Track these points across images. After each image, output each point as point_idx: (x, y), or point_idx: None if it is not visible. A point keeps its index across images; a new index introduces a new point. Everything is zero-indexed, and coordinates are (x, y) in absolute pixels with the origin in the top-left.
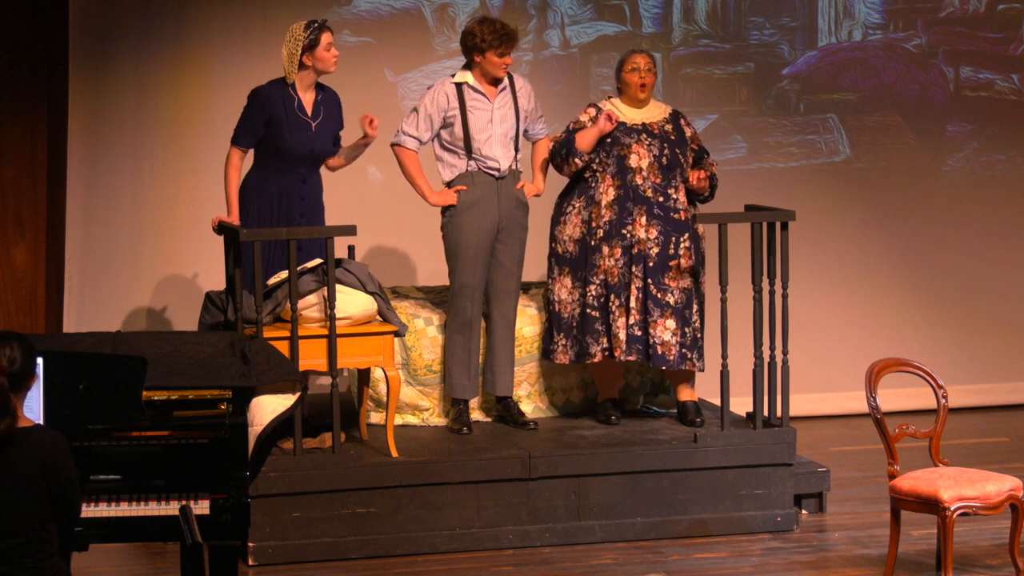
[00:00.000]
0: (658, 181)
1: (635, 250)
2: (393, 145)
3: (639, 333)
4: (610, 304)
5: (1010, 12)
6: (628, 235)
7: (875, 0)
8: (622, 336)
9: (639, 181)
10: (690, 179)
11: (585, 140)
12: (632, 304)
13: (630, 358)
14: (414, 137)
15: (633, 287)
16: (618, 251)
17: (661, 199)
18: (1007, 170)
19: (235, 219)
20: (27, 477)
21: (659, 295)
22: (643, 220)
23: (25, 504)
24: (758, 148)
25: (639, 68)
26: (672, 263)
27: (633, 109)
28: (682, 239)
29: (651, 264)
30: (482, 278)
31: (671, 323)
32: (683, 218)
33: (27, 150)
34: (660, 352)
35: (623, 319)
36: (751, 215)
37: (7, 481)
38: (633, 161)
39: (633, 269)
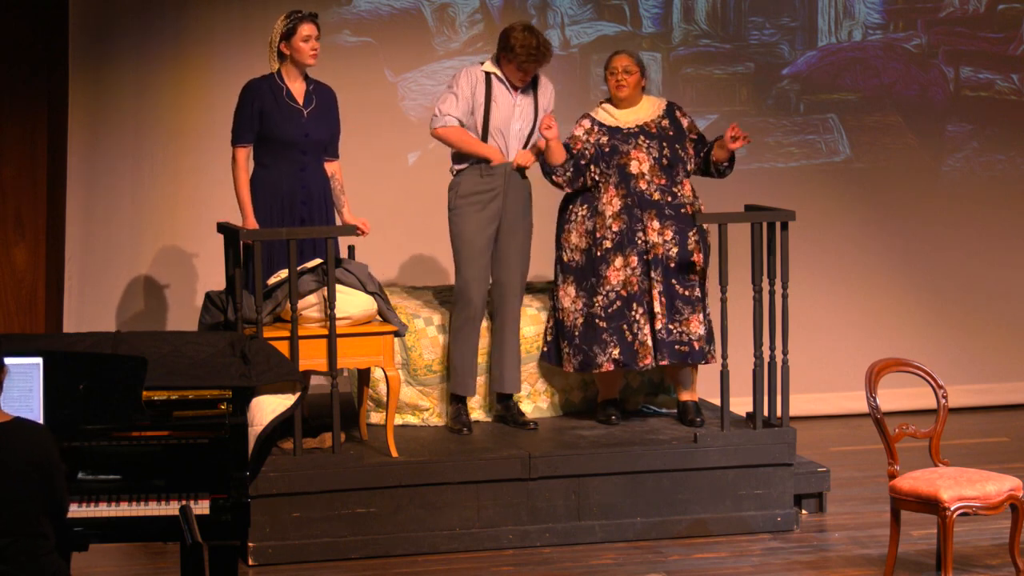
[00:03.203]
0: (663, 182)
1: (651, 255)
2: (435, 128)
3: (667, 336)
4: (632, 313)
5: (1010, 12)
6: (641, 242)
7: (875, 0)
8: (650, 343)
9: (643, 186)
10: (727, 136)
11: (550, 154)
12: (657, 309)
13: (663, 363)
14: (454, 116)
15: (655, 292)
16: (634, 259)
17: (669, 199)
18: (1007, 170)
19: (251, 226)
20: (21, 473)
21: (687, 292)
22: (655, 224)
23: (22, 501)
24: (758, 148)
25: (616, 71)
26: (691, 259)
27: (626, 111)
28: (691, 233)
29: (672, 265)
30: (486, 273)
31: (700, 316)
32: (691, 212)
33: (27, 150)
34: (698, 348)
35: (648, 326)
36: (751, 215)
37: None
38: (634, 167)
39: (652, 274)
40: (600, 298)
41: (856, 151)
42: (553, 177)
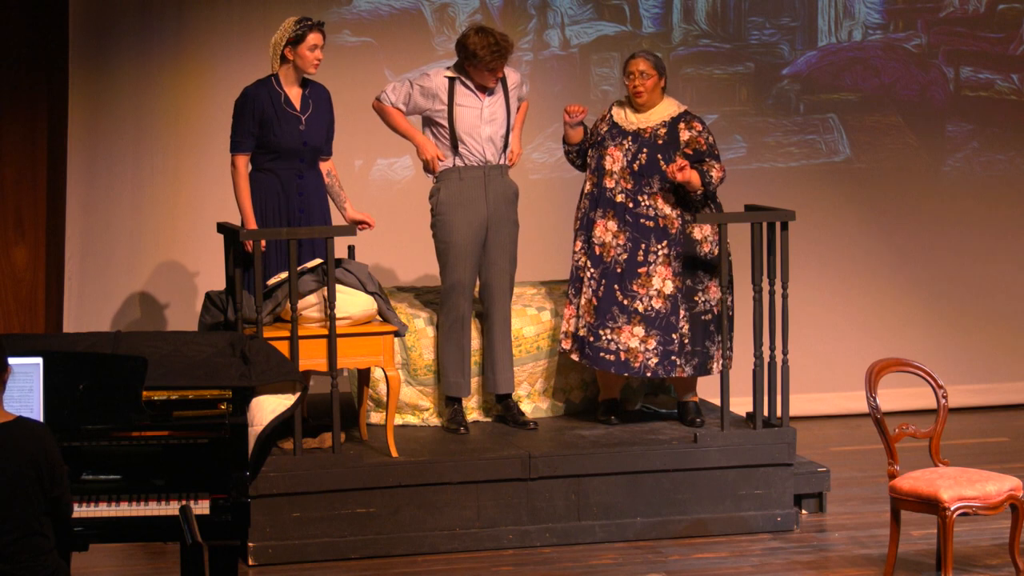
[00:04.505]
0: (629, 187)
1: (596, 251)
2: (375, 101)
3: (592, 339)
4: (567, 293)
5: (1010, 12)
6: (592, 236)
7: (875, 0)
8: (562, 327)
9: (610, 185)
10: (669, 170)
11: (566, 135)
12: (582, 303)
13: (584, 362)
14: (393, 104)
15: (585, 287)
16: (578, 244)
17: (631, 205)
18: (1007, 170)
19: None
20: (18, 471)
21: (625, 302)
22: (610, 224)
23: (20, 500)
24: (758, 148)
25: (634, 73)
26: (641, 270)
27: (638, 113)
28: (657, 246)
29: (619, 271)
30: (473, 275)
31: (639, 330)
32: (661, 225)
33: (27, 150)
34: (624, 359)
35: (567, 311)
36: (751, 215)
37: None
38: (607, 163)
39: (591, 271)
40: (570, 274)
41: (856, 151)
42: (565, 154)
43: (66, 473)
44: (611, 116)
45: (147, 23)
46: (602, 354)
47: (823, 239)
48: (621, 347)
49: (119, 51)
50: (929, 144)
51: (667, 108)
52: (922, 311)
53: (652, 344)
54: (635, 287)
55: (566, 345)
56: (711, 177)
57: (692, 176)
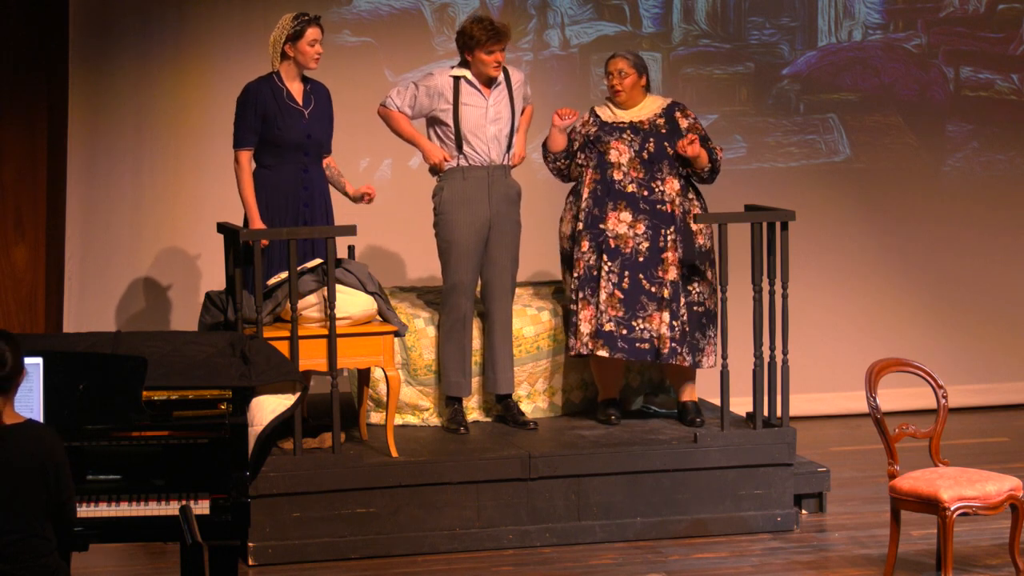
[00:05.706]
0: (640, 176)
1: (611, 244)
2: (380, 107)
3: (625, 332)
4: (577, 296)
5: (1010, 12)
6: (602, 229)
7: (875, 0)
8: (583, 329)
9: (618, 176)
10: (680, 145)
11: (551, 140)
12: (603, 298)
13: (617, 356)
14: (399, 108)
15: (604, 281)
16: (585, 244)
17: (646, 193)
18: (1007, 170)
19: (258, 227)
20: (23, 473)
21: (652, 289)
22: (623, 215)
23: (22, 501)
24: (758, 148)
25: (613, 73)
26: (663, 256)
27: (625, 110)
28: (668, 231)
29: (641, 259)
30: (475, 275)
31: (666, 316)
32: (670, 210)
33: (27, 150)
34: (656, 345)
35: (586, 312)
36: (751, 215)
37: (2, 478)
38: (613, 156)
39: (608, 264)
40: (572, 282)
41: (856, 151)
42: (547, 163)
43: (71, 479)
44: (597, 117)
45: (147, 23)
46: (638, 344)
47: (823, 239)
48: (654, 334)
49: (119, 51)
50: (929, 144)
51: (655, 102)
52: (922, 311)
53: (671, 331)
54: (659, 272)
55: (590, 345)
56: (716, 155)
57: (701, 151)
